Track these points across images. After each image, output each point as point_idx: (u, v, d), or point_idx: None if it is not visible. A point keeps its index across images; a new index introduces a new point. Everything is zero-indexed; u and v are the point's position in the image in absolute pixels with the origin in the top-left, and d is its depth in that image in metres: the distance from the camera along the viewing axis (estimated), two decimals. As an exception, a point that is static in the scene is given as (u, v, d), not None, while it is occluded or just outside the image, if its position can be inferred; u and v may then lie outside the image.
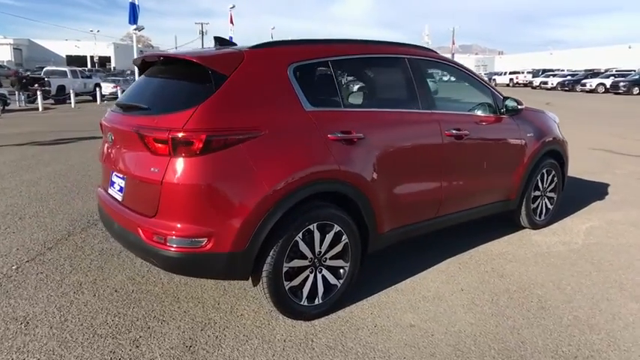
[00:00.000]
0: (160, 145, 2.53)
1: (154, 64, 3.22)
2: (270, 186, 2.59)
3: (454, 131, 3.57)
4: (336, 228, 2.91)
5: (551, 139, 4.50)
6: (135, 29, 26.02)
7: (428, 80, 3.60)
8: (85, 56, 66.94)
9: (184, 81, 2.83)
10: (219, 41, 3.21)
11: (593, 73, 39.91)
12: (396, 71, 3.46)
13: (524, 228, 4.60)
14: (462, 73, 3.98)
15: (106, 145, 3.15)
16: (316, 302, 2.93)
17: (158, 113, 2.65)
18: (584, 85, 35.83)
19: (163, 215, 2.55)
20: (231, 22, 46.60)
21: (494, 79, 53.56)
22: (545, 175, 4.56)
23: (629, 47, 58.77)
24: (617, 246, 4.21)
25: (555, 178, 4.69)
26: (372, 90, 3.42)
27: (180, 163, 2.49)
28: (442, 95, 3.67)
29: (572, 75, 41.46)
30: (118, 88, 26.27)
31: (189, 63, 2.72)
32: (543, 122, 4.52)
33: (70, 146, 9.56)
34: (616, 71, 39.27)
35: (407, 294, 3.29)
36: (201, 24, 72.13)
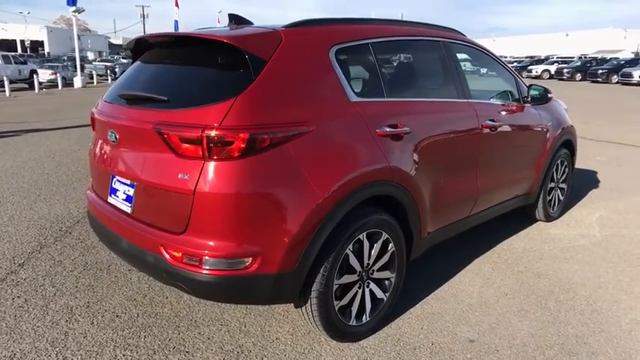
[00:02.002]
0: (189, 145, 2.05)
1: (155, 46, 2.69)
2: (323, 192, 2.18)
3: (489, 122, 3.29)
4: (384, 236, 2.55)
5: (566, 127, 4.34)
6: (74, 11, 24.26)
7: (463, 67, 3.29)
8: (15, 40, 61.87)
9: (211, 67, 2.33)
10: (235, 20, 2.73)
11: (538, 60, 41.57)
12: (435, 56, 3.12)
13: (536, 221, 4.45)
14: (490, 59, 3.70)
15: (103, 144, 2.61)
16: (364, 320, 2.58)
17: (183, 106, 2.15)
18: (530, 71, 37.21)
19: (195, 231, 2.09)
20: (177, 4, 44.59)
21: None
22: (559, 166, 4.41)
23: (567, 35, 61.71)
24: (636, 237, 4.13)
25: (567, 169, 4.56)
26: (413, 77, 3.05)
27: (217, 168, 2.02)
28: (471, 82, 3.38)
29: (519, 62, 42.96)
30: (58, 75, 24.35)
31: (216, 44, 2.23)
32: (559, 110, 4.35)
33: (17, 140, 8.57)
34: (557, 57, 41.10)
35: (450, 302, 3.00)
36: (142, 7, 68.67)
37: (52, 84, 24.35)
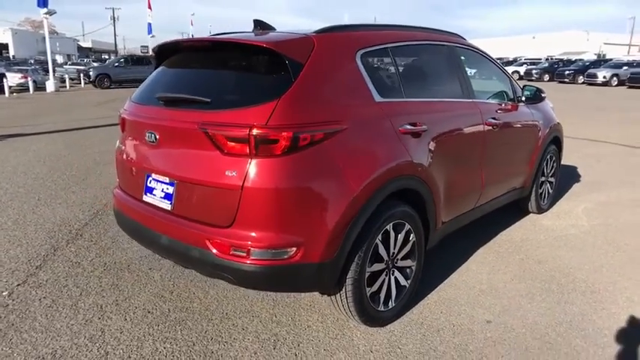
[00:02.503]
0: (236, 144, 2.19)
1: (186, 50, 2.81)
2: (358, 185, 2.35)
3: (491, 120, 3.53)
4: (407, 227, 2.74)
5: (554, 124, 4.64)
6: (46, 13, 23.69)
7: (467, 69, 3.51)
8: (-24, 43, 59.71)
9: (249, 70, 2.47)
10: (260, 25, 2.87)
11: (507, 62, 42.78)
12: (444, 59, 3.33)
13: (528, 213, 4.72)
14: (488, 61, 3.94)
15: (138, 144, 2.70)
16: (390, 306, 2.75)
17: (227, 107, 2.28)
18: (499, 72, 38.18)
19: (243, 224, 2.22)
20: (149, 7, 43.98)
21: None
22: (549, 161, 4.70)
23: (533, 37, 63.67)
24: (621, 226, 4.44)
25: (555, 164, 4.86)
26: (426, 78, 3.26)
27: (263, 165, 2.17)
28: (473, 83, 3.61)
29: (488, 63, 44.02)
30: (28, 78, 23.71)
31: (254, 49, 2.37)
32: (547, 109, 4.63)
33: (0, 145, 8.41)
34: (525, 59, 42.41)
35: (462, 288, 3.21)
36: (112, 9, 67.34)
37: (23, 88, 23.67)
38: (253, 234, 2.21)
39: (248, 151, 2.17)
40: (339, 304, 2.57)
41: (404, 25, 3.14)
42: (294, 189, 2.20)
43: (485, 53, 3.93)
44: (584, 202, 5.17)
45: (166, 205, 2.51)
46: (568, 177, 6.23)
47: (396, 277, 2.77)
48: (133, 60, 28.23)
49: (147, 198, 2.65)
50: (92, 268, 3.51)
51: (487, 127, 3.47)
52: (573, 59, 40.27)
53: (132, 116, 2.72)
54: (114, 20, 65.40)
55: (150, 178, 2.63)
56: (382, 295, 2.69)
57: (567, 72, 32.45)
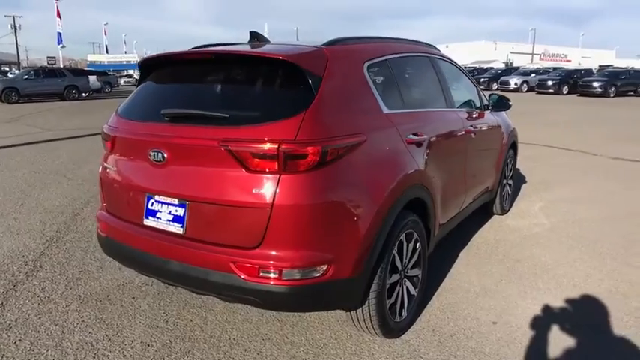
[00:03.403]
0: (264, 161, 2.09)
1: (183, 63, 2.65)
2: (382, 197, 2.35)
3: (470, 127, 3.68)
4: (415, 235, 2.77)
5: (512, 130, 4.94)
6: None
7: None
8: None
9: (266, 83, 2.37)
10: (256, 37, 2.78)
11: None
12: (430, 70, 3.42)
13: (492, 215, 4.97)
14: (458, 70, 4.11)
15: (136, 164, 2.49)
16: (403, 316, 2.76)
17: (248, 123, 2.16)
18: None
19: (272, 244, 2.11)
20: (59, 15, 41.17)
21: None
22: (508, 164, 4.99)
23: (447, 47, 67.63)
24: (577, 222, 4.81)
25: (512, 167, 5.17)
26: (419, 89, 3.32)
27: (293, 181, 2.09)
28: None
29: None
30: None
31: (271, 62, 2.29)
32: (505, 116, 4.92)
33: None
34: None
35: (459, 292, 3.29)
36: (13, 17, 62.09)
37: None
38: (284, 253, 2.12)
39: (276, 167, 2.08)
40: (361, 319, 2.53)
41: (392, 37, 3.20)
42: (325, 204, 2.14)
43: (455, 63, 4.10)
44: (538, 202, 5.54)
45: (176, 228, 2.33)
46: (516, 179, 6.65)
47: (407, 287, 2.79)
48: (45, 72, 26.29)
49: (149, 222, 2.45)
50: (66, 301, 3.18)
51: (467, 135, 3.62)
52: (485, 67, 43.21)
53: (128, 134, 2.50)
54: (15, 29, 60.22)
55: (152, 201, 2.44)
56: (397, 305, 2.69)
57: (482, 79, 34.71)
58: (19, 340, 2.73)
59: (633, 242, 4.24)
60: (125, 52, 64.50)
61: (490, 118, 4.32)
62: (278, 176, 2.08)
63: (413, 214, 2.74)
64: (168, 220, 2.37)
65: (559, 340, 2.71)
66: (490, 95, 4.39)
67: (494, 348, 2.64)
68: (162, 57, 2.64)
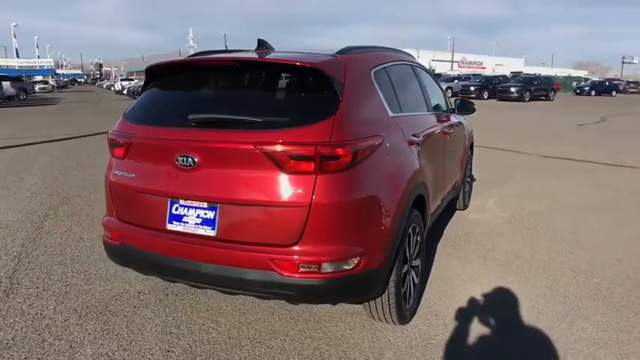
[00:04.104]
0: (301, 162, 2.21)
1: (200, 69, 2.70)
2: (400, 192, 2.56)
3: (445, 129, 4.01)
4: (417, 228, 3.00)
5: (471, 131, 5.37)
6: None
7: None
8: None
9: (292, 89, 2.48)
10: (264, 45, 2.89)
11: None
12: (414, 76, 3.69)
13: (455, 210, 5.36)
14: (429, 76, 4.43)
15: (158, 169, 2.49)
16: (410, 303, 2.97)
17: (282, 127, 2.27)
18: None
19: (311, 240, 2.24)
20: (-38, 17, 37.70)
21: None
22: (468, 164, 5.41)
23: None
24: (529, 214, 5.33)
25: (470, 166, 5.61)
26: (408, 94, 3.55)
27: (329, 180, 2.23)
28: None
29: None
30: None
31: (296, 69, 2.41)
32: (464, 118, 5.35)
33: None
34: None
35: (447, 281, 3.57)
36: None
37: None
38: (322, 248, 2.25)
39: (313, 168, 2.20)
40: (379, 308, 2.71)
41: (380, 46, 3.43)
42: (356, 201, 2.30)
43: (426, 69, 4.43)
44: (491, 197, 6.04)
45: (207, 231, 2.38)
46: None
47: (412, 276, 3.01)
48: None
49: (173, 227, 2.46)
50: (62, 316, 3.06)
51: (444, 135, 3.94)
52: (411, 74, 45.30)
53: (150, 140, 2.50)
54: None
55: (176, 205, 2.46)
56: (407, 293, 2.90)
57: (410, 86, 36.42)
58: (25, 358, 2.61)
59: (579, 227, 4.79)
60: (38, 57, 60.27)
61: (455, 120, 4.69)
62: (315, 176, 2.21)
63: (416, 209, 2.97)
64: (196, 224, 2.41)
65: (545, 311, 3.05)
66: (455, 100, 4.76)
67: (486, 329, 2.92)
68: (179, 63, 2.66)
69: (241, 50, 2.91)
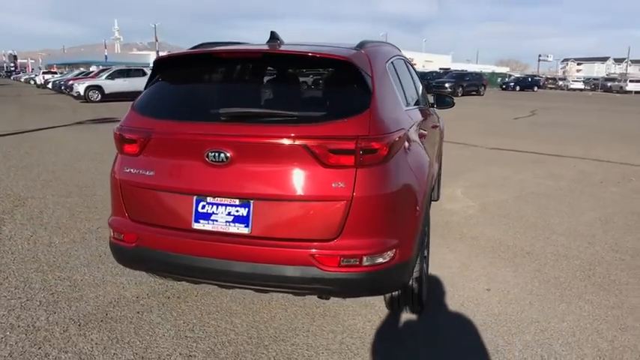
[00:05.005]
0: (341, 156, 2.19)
1: (222, 62, 2.59)
2: (424, 185, 2.61)
3: (434, 123, 4.14)
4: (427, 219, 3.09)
5: (443, 124, 5.56)
6: None
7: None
8: None
9: (323, 82, 2.45)
10: (277, 38, 2.83)
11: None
12: (408, 71, 3.76)
13: (431, 201, 5.55)
14: (413, 71, 4.53)
15: (184, 165, 2.36)
16: (424, 292, 3.05)
17: (319, 121, 2.23)
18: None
19: (351, 234, 2.23)
20: None
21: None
22: (441, 156, 5.61)
23: None
24: (497, 202, 5.63)
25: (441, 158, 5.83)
26: (409, 88, 3.60)
27: (369, 173, 2.23)
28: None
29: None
30: None
31: (325, 62, 2.38)
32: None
33: None
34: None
35: (444, 269, 3.69)
36: None
37: None
38: (362, 242, 2.25)
39: (353, 161, 2.20)
40: (402, 297, 2.76)
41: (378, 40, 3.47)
42: (392, 193, 2.33)
43: (410, 63, 4.53)
44: (457, 188, 6.31)
45: (240, 228, 2.30)
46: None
47: (424, 266, 3.09)
48: None
49: (199, 226, 2.36)
50: (60, 327, 2.84)
51: (433, 128, 4.07)
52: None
53: (175, 135, 2.36)
54: None
55: (202, 203, 2.35)
56: (421, 282, 2.97)
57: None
58: (32, 374, 2.40)
59: (546, 214, 5.14)
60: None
61: (434, 113, 4.84)
62: (355, 170, 2.21)
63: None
64: (227, 222, 2.32)
65: (542, 293, 3.26)
66: (435, 94, 4.90)
67: (501, 309, 3.08)
68: (196, 55, 2.53)
69: (242, 42, 2.82)
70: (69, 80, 25.95)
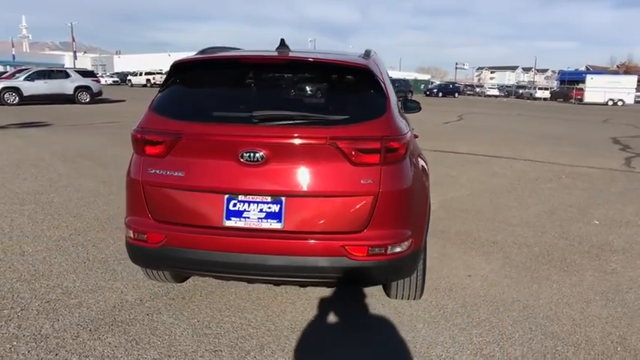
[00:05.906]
0: (368, 154, 2.41)
1: (249, 67, 2.72)
2: (428, 180, 2.90)
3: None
4: (422, 212, 3.39)
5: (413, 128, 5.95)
6: None
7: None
8: None
9: (344, 87, 2.65)
10: (286, 45, 3.00)
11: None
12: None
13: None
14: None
15: (216, 165, 2.46)
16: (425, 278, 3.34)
17: (349, 123, 2.45)
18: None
19: (377, 225, 2.46)
20: None
21: (129, 80, 52.88)
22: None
23: (169, 55, 66.11)
24: (454, 199, 6.11)
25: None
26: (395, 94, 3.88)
27: (392, 170, 2.48)
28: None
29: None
30: None
31: (346, 68, 2.61)
32: (406, 117, 5.91)
33: None
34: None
35: (428, 260, 3.95)
36: None
37: None
38: (387, 232, 2.49)
39: (379, 159, 2.43)
40: (407, 285, 3.02)
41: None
42: (409, 188, 2.59)
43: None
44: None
45: (273, 224, 2.44)
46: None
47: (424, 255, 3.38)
48: None
49: (232, 223, 2.47)
50: (70, 334, 2.79)
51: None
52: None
53: (209, 136, 2.45)
54: None
55: (233, 201, 2.47)
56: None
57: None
58: (58, 380, 2.37)
59: (498, 208, 5.68)
60: None
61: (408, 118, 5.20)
62: (380, 167, 2.44)
63: None
64: (259, 218, 2.45)
65: (515, 277, 3.68)
66: (404, 100, 5.25)
67: (485, 291, 3.44)
68: (220, 59, 2.63)
69: (237, 49, 2.97)
70: (-24, 81, 23.74)
